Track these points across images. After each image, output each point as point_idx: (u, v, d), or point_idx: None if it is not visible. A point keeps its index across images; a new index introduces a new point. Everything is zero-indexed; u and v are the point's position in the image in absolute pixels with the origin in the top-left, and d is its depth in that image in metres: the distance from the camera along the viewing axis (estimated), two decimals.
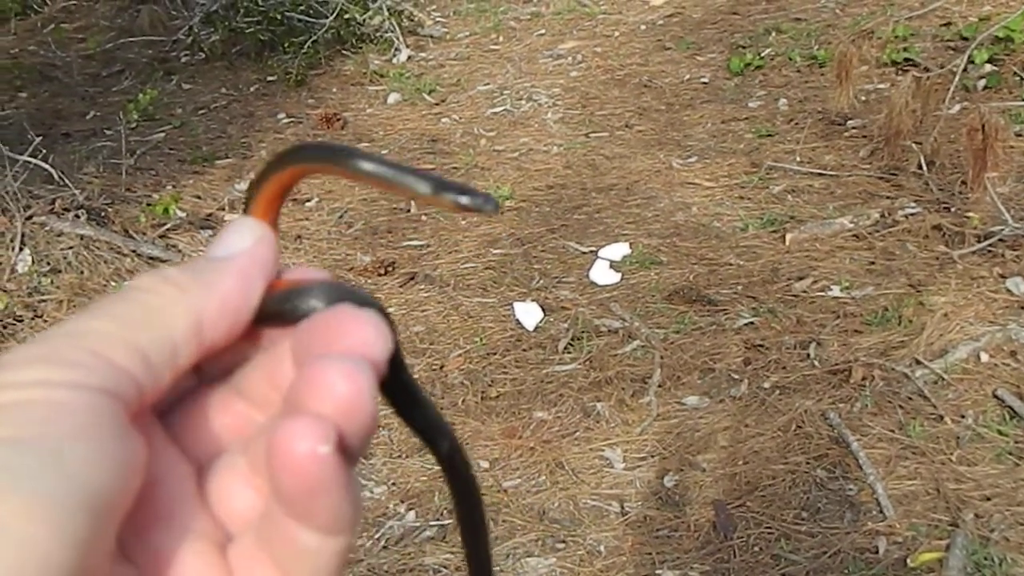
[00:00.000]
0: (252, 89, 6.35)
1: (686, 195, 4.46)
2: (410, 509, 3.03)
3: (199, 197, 4.89)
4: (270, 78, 6.42)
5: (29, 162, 4.38)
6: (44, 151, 4.57)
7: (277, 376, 0.46)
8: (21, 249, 4.05)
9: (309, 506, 0.41)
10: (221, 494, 0.47)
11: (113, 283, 4.06)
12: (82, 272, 4.05)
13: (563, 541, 2.87)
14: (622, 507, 2.95)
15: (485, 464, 3.15)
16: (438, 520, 2.99)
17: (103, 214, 4.36)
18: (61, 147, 5.43)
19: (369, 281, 4.12)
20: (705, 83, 5.54)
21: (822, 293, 3.65)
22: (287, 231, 4.47)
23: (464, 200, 0.44)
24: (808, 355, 3.36)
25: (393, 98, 5.95)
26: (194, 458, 0.47)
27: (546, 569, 2.80)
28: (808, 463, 2.98)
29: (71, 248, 4.10)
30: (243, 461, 0.47)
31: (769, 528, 2.80)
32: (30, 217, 4.13)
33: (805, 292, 3.67)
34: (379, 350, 0.42)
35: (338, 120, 5.69)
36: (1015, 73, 4.82)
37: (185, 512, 0.45)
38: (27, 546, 0.35)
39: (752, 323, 3.56)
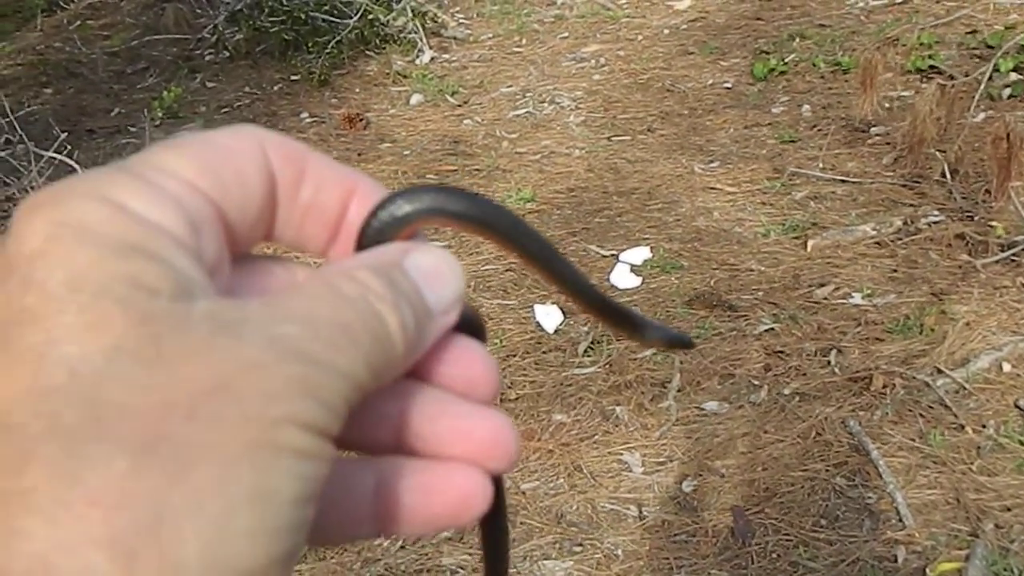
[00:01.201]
0: (275, 88, 6.37)
1: (708, 200, 4.46)
2: None
3: None
4: (293, 77, 6.45)
5: (54, 158, 4.41)
6: (69, 147, 4.60)
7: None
8: None
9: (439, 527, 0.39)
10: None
11: None
12: None
13: (580, 544, 2.87)
14: (640, 511, 2.95)
15: None
16: None
17: None
18: (86, 144, 5.47)
19: None
20: (728, 88, 5.53)
21: (843, 300, 3.64)
22: None
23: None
24: (829, 362, 3.35)
25: (416, 99, 5.97)
26: None
27: (563, 572, 2.80)
28: (827, 471, 2.98)
29: None
30: None
31: (787, 535, 2.80)
32: None
33: (826, 299, 3.66)
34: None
35: (360, 120, 5.71)
36: None
37: None
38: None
39: (773, 329, 3.55)
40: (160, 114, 5.33)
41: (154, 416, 0.30)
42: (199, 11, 7.43)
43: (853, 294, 3.66)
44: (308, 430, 0.32)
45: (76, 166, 4.46)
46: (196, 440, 0.30)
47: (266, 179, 0.38)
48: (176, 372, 0.30)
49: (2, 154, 4.85)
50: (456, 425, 0.39)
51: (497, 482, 0.40)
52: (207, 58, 6.97)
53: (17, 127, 4.82)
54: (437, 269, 0.38)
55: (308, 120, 5.86)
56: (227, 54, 6.90)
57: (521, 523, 2.95)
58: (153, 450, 0.29)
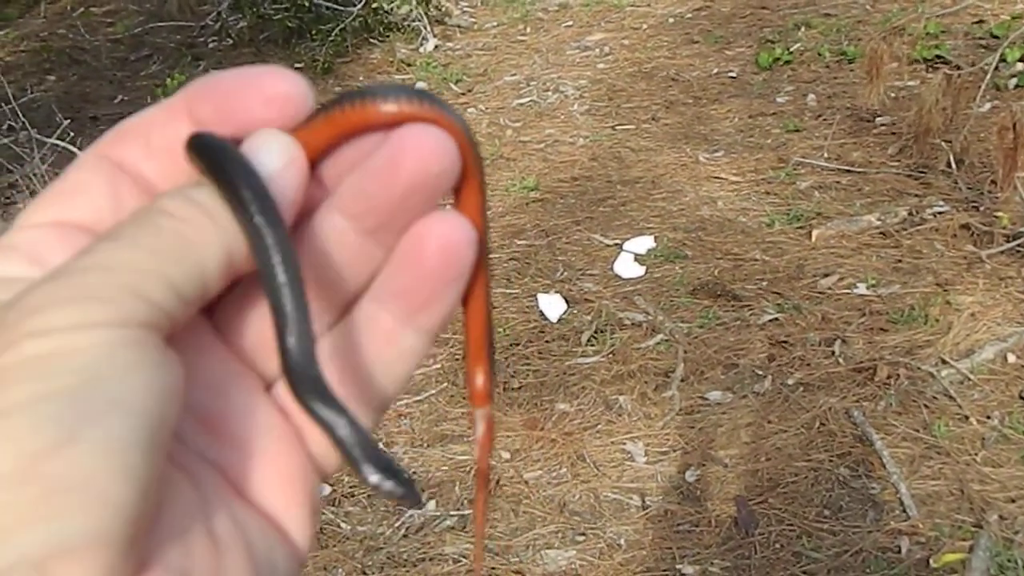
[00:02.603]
0: None
1: (712, 189, 4.44)
2: (431, 498, 3.04)
3: None
4: (297, 65, 6.42)
5: (57, 145, 4.40)
6: (72, 134, 4.59)
7: None
8: None
9: (433, 298, 0.44)
10: (245, 333, 0.46)
11: None
12: None
13: (583, 533, 2.87)
14: (643, 501, 2.95)
15: (506, 455, 3.15)
16: (458, 510, 2.99)
17: None
18: (89, 131, 5.45)
19: None
20: (733, 77, 5.51)
21: (848, 290, 3.63)
22: None
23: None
24: (833, 352, 3.35)
25: (420, 87, 5.93)
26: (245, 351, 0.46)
27: (566, 561, 2.80)
28: (831, 461, 2.97)
29: None
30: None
31: (791, 525, 2.79)
32: None
33: (831, 289, 3.65)
34: None
35: None
36: None
37: (254, 420, 0.44)
38: (106, 501, 0.35)
39: (777, 319, 3.54)
40: None
41: None
42: None
43: (857, 284, 3.65)
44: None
45: (79, 152, 4.43)
46: None
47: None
48: None
49: (5, 141, 4.83)
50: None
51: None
52: (210, 45, 6.95)
53: (20, 114, 4.81)
54: (255, 144, 0.42)
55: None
56: (230, 41, 6.89)
57: (524, 512, 2.95)
58: None
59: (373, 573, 2.84)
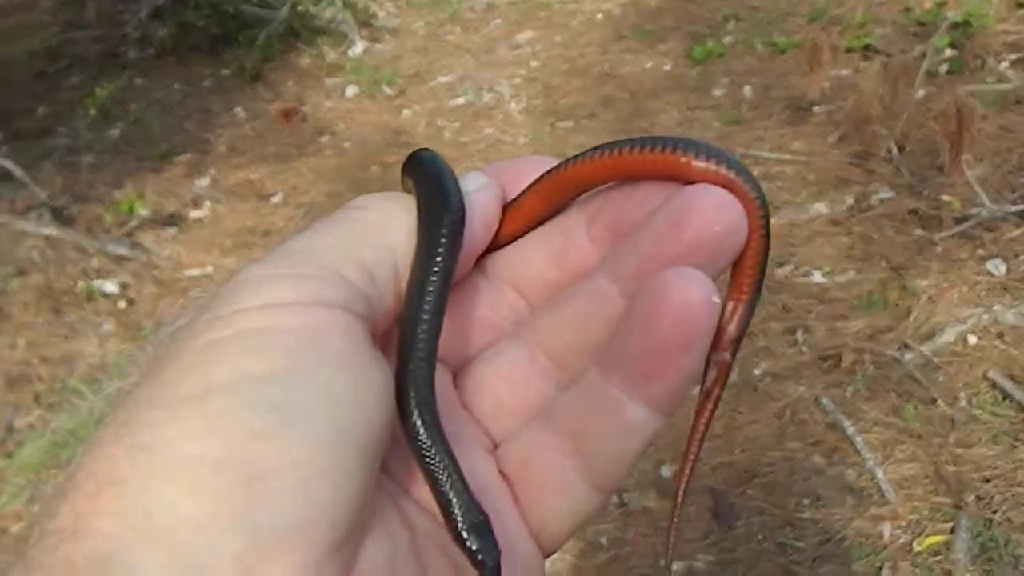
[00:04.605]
0: (206, 84, 6.23)
1: None
2: None
3: (160, 195, 4.79)
4: (224, 72, 6.32)
5: None
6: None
7: (565, 250, 0.47)
8: None
9: (666, 364, 0.41)
10: (483, 395, 0.46)
11: (81, 282, 3.95)
12: (48, 272, 3.94)
13: None
14: (620, 498, 2.93)
15: None
16: None
17: (66, 213, 4.25)
18: (13, 145, 5.29)
19: None
20: (667, 71, 5.53)
21: (805, 279, 3.65)
22: (254, 226, 4.40)
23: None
24: (796, 341, 3.36)
25: (351, 90, 5.88)
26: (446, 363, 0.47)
27: (549, 563, 2.76)
28: (805, 449, 2.98)
29: (35, 248, 3.99)
30: (514, 353, 0.46)
31: (771, 515, 2.79)
32: None
33: (787, 278, 3.67)
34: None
35: (297, 114, 5.61)
36: (976, 56, 4.86)
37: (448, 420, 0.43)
38: (304, 495, 0.34)
39: None
40: (92, 112, 5.17)
41: None
42: (121, 7, 7.23)
43: (813, 272, 3.68)
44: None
45: (13, 167, 4.30)
46: None
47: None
48: None
49: None
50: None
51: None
52: (131, 55, 6.78)
53: None
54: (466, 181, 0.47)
55: (243, 115, 5.74)
56: (152, 51, 6.73)
57: None
58: None
59: None
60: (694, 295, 0.40)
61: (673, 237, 0.41)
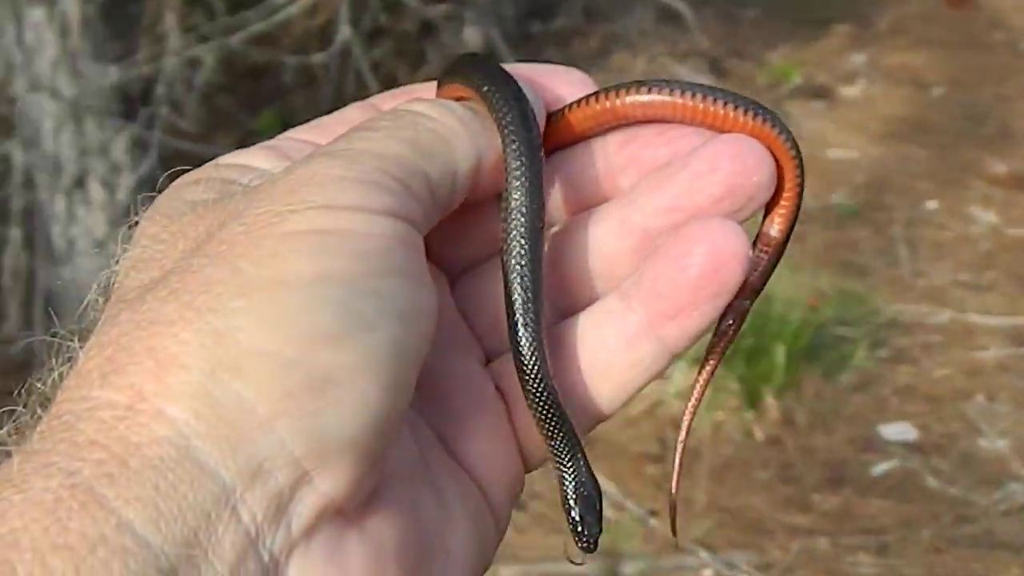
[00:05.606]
0: None
1: None
2: None
3: (813, 64, 4.61)
4: None
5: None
6: None
7: (584, 174, 0.46)
8: None
9: (691, 308, 0.41)
10: (482, 308, 0.47)
11: None
12: None
13: None
14: None
15: None
16: None
17: (723, 65, 4.21)
18: None
19: None
20: None
21: None
22: (908, 116, 4.11)
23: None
24: None
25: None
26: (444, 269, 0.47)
27: None
28: None
29: None
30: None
31: None
32: (654, 58, 4.06)
33: None
34: None
35: (970, 0, 5.16)
36: None
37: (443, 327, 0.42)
38: (363, 405, 0.34)
39: None
40: None
41: None
42: None
43: None
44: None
45: (684, 9, 4.29)
46: None
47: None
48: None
49: None
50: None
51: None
52: None
53: None
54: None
55: None
56: None
57: None
58: None
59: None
60: (732, 248, 0.41)
61: (709, 180, 0.41)
